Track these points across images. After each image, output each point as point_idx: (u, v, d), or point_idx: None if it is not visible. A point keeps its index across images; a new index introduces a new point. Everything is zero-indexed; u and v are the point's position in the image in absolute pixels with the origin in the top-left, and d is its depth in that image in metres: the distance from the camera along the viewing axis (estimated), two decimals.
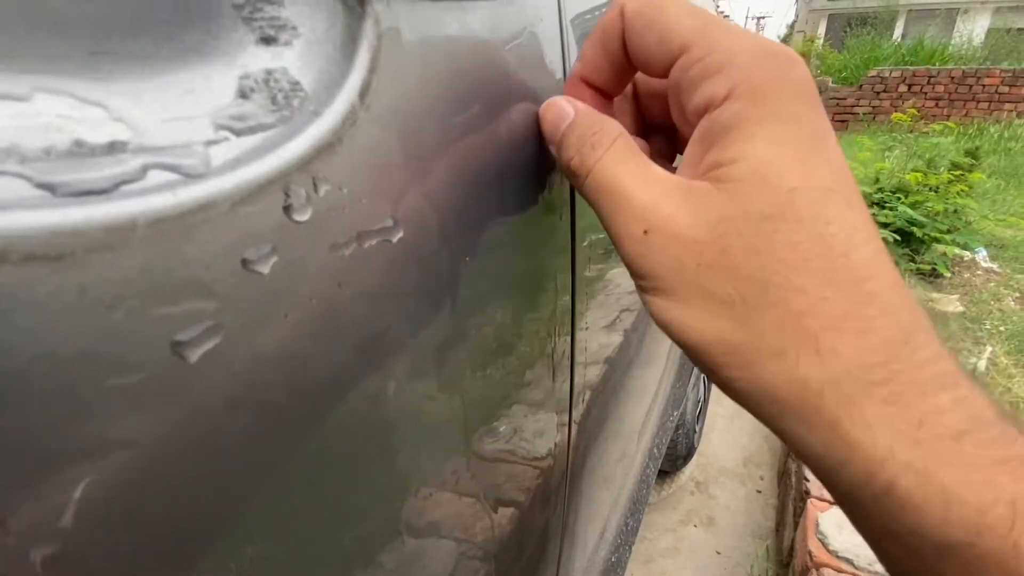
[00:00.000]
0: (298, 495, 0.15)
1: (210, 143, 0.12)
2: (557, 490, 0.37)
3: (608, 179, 0.20)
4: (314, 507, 0.16)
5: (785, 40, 11.57)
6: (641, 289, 0.20)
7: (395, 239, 0.17)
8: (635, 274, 0.20)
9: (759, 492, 1.48)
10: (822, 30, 12.11)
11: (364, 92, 0.16)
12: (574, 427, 0.39)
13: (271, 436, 0.13)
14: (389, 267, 0.17)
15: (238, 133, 0.13)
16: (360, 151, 0.16)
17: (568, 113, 0.22)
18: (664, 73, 0.21)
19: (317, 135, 0.14)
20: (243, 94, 0.14)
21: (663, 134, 0.26)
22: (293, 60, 0.15)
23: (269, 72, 0.14)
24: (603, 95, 0.24)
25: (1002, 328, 2.04)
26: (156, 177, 0.11)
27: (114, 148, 0.11)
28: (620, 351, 0.56)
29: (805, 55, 7.78)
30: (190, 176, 0.12)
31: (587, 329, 0.42)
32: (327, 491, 0.16)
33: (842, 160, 0.19)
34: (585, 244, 0.34)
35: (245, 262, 0.13)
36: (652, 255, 0.19)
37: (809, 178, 0.18)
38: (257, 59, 0.14)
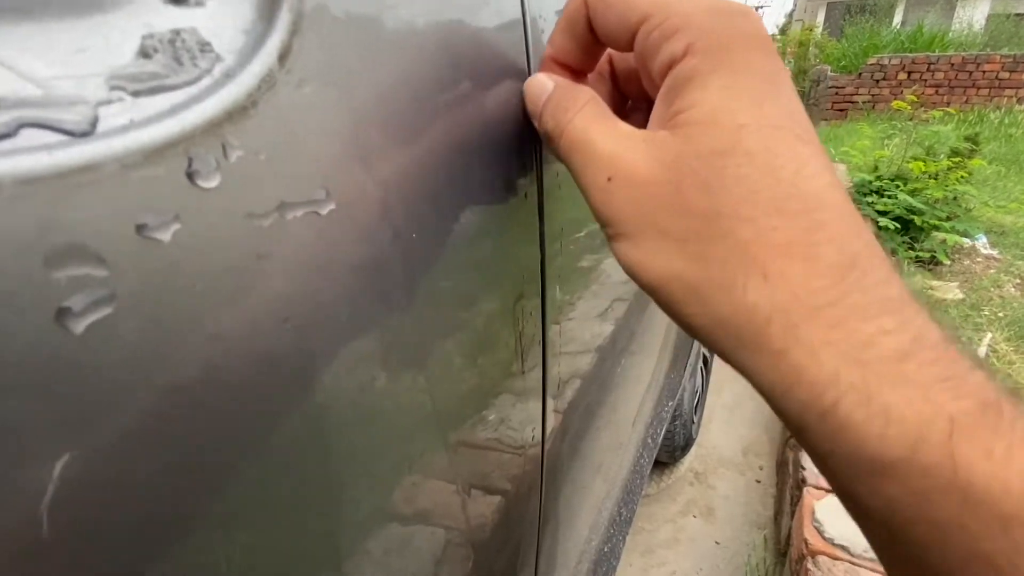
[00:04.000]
0: (204, 488, 0.14)
1: (101, 103, 0.12)
2: (531, 477, 0.37)
3: (579, 135, 0.21)
4: (236, 503, 0.15)
5: (783, 30, 11.50)
6: (608, 237, 0.21)
7: (325, 211, 0.16)
8: (601, 222, 0.21)
9: (758, 482, 1.48)
10: (821, 18, 12.03)
11: (284, 55, 0.15)
12: (553, 415, 0.38)
13: (172, 417, 0.13)
14: (318, 241, 0.16)
15: (135, 94, 0.12)
16: (279, 117, 0.15)
17: (547, 86, 0.24)
18: (629, 46, 0.22)
19: (228, 98, 0.14)
20: (145, 54, 0.13)
21: (642, 110, 0.27)
22: (204, 20, 0.14)
23: (176, 32, 0.14)
24: (576, 73, 0.26)
25: (1002, 315, 2.03)
26: (30, 135, 0.11)
27: None
28: (610, 340, 0.55)
29: (803, 44, 7.73)
30: (72, 135, 0.11)
31: (571, 319, 0.41)
32: (241, 485, 0.15)
33: (796, 102, 0.20)
34: (558, 228, 0.34)
35: (141, 228, 0.12)
36: (614, 201, 0.20)
37: (759, 117, 0.19)
38: (164, 18, 0.13)
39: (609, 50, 0.25)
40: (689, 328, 0.20)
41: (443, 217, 0.22)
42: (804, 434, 0.18)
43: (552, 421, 0.38)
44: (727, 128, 0.18)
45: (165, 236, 0.12)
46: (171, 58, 0.13)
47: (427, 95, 0.21)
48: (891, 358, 0.17)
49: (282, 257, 0.15)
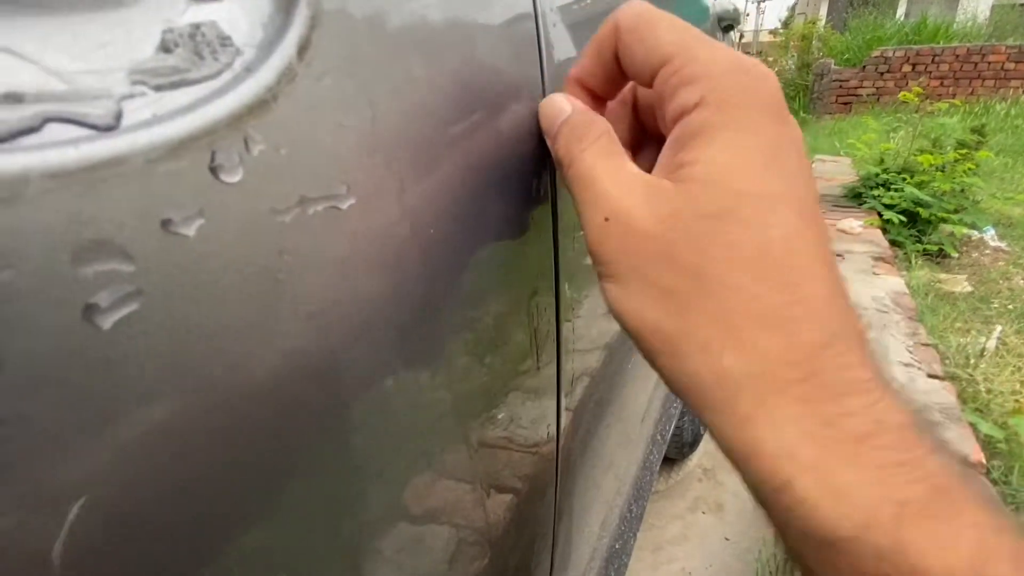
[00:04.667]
0: (224, 483, 0.14)
1: (124, 97, 0.12)
2: (546, 474, 0.37)
3: (586, 170, 0.22)
4: (255, 498, 0.15)
5: (786, 23, 11.43)
6: (599, 275, 0.21)
7: (345, 206, 0.16)
8: (593, 259, 0.21)
9: None
10: (824, 12, 11.96)
11: (303, 48, 0.15)
12: (566, 413, 0.38)
13: (198, 414, 0.13)
14: (339, 236, 0.16)
15: (157, 88, 0.12)
16: (300, 110, 0.15)
17: (565, 109, 0.24)
18: (651, 83, 0.22)
19: (249, 92, 0.14)
20: (166, 48, 0.13)
21: (655, 145, 0.27)
22: (224, 14, 0.14)
23: (196, 26, 0.13)
24: (597, 98, 0.26)
25: (1011, 307, 2.01)
26: (56, 130, 0.10)
27: (11, 97, 0.10)
28: (619, 337, 0.55)
29: (806, 38, 7.68)
30: (97, 130, 0.11)
31: (582, 317, 0.41)
32: (260, 481, 0.15)
33: (801, 170, 0.20)
34: (571, 224, 0.34)
35: (166, 223, 0.12)
36: (608, 242, 0.20)
37: (760, 184, 0.19)
38: (184, 13, 0.13)
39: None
40: (664, 378, 0.20)
41: (460, 212, 0.22)
42: (761, 503, 0.19)
43: (565, 418, 0.38)
44: (726, 192, 0.19)
45: (190, 231, 0.12)
46: (192, 52, 0.13)
47: (444, 90, 0.21)
48: (850, 439, 0.17)
49: (303, 252, 0.15)
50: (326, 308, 0.16)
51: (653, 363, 0.20)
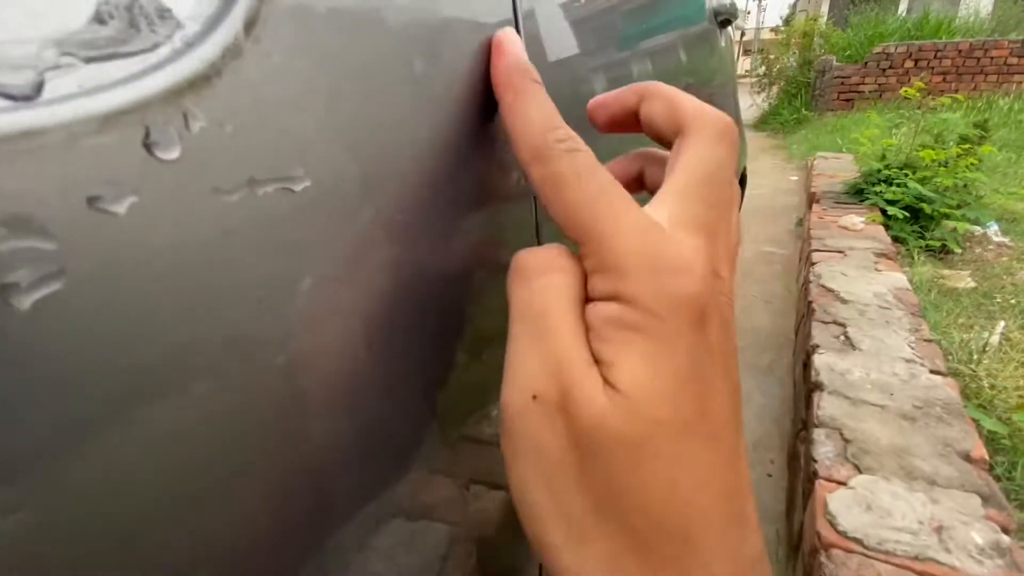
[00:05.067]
0: (150, 482, 0.13)
1: (49, 68, 0.11)
2: None
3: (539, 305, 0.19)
4: (195, 498, 0.14)
5: (787, 20, 11.39)
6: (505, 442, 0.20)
7: (299, 188, 0.16)
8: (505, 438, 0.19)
9: (769, 476, 1.46)
10: (825, 8, 11.91)
11: (251, 23, 0.14)
12: None
13: (128, 401, 0.12)
14: (293, 219, 0.16)
15: (87, 60, 0.12)
16: (246, 88, 0.14)
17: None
18: None
19: (189, 68, 0.13)
20: (100, 19, 0.12)
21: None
22: None
23: None
24: None
25: (1014, 302, 2.00)
26: None
27: None
28: None
29: (808, 35, 7.66)
30: (14, 100, 0.10)
31: None
32: (197, 480, 0.14)
33: (720, 383, 0.19)
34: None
35: (93, 200, 0.11)
36: (528, 426, 0.18)
37: (675, 412, 0.17)
38: None
39: None
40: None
41: (431, 197, 0.21)
42: None
43: None
44: (644, 421, 0.17)
45: (120, 209, 0.12)
46: (127, 24, 0.13)
47: (412, 73, 0.20)
48: None
49: (252, 235, 0.14)
50: (280, 292, 0.15)
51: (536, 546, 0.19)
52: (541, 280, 0.19)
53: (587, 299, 0.19)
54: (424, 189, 0.21)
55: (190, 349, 0.13)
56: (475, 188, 0.24)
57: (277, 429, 0.16)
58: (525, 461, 0.19)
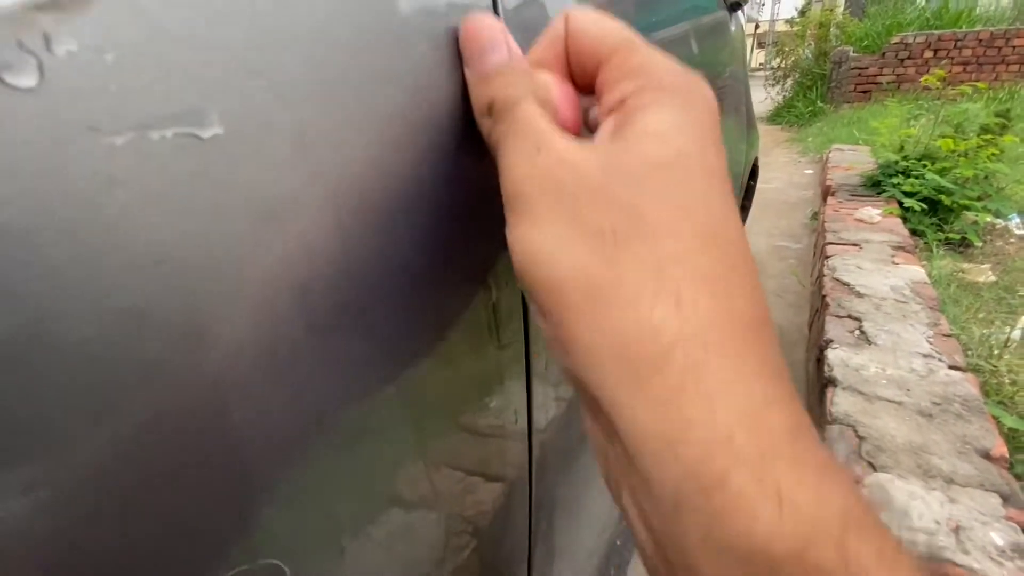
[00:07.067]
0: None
1: None
2: (516, 497, 0.34)
3: (528, 115, 0.20)
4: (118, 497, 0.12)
5: (803, 11, 11.19)
6: (510, 223, 0.19)
7: (208, 135, 0.14)
8: (510, 197, 0.19)
9: None
10: None
11: None
12: (541, 394, 0.35)
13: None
14: (199, 171, 0.13)
15: None
16: (138, 10, 0.12)
17: (500, 50, 0.21)
18: (594, 77, 0.21)
19: None
20: None
21: None
22: None
23: None
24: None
25: None
26: None
27: None
28: None
29: (824, 25, 7.52)
30: None
31: None
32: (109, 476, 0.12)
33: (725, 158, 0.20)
34: None
35: None
36: (535, 174, 0.19)
37: (702, 155, 0.18)
38: None
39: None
40: (574, 344, 0.17)
41: (384, 146, 0.19)
42: (678, 512, 0.15)
43: (540, 399, 0.35)
44: (672, 147, 0.18)
45: None
46: None
47: (362, 8, 0.18)
48: (784, 430, 0.15)
49: (147, 185, 0.12)
50: (186, 253, 0.13)
51: (564, 322, 0.17)
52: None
53: (611, 109, 0.20)
54: (372, 139, 0.19)
55: (63, 315, 0.11)
56: (433, 140, 0.22)
57: (182, 407, 0.14)
58: (546, 222, 0.18)
